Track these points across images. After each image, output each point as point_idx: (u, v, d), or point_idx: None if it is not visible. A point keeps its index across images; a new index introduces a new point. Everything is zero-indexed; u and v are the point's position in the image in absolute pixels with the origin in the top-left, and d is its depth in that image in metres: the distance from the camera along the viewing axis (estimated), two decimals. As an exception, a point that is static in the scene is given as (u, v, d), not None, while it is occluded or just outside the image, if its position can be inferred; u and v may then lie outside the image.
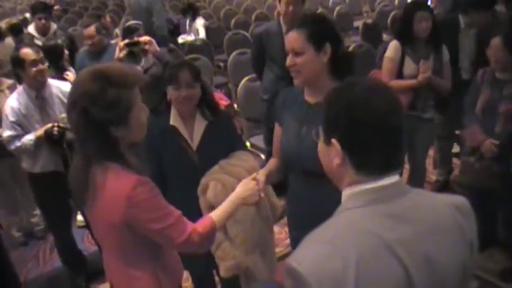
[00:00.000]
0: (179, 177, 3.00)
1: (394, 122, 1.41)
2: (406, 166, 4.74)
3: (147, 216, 2.05)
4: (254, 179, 2.57)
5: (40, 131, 3.87)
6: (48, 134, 3.85)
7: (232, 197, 2.47)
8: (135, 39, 4.21)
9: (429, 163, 4.60)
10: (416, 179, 4.68)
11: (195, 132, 3.00)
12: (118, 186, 2.02)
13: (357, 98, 1.42)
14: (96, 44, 5.31)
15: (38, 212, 5.15)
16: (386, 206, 1.40)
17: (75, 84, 2.08)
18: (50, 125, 3.86)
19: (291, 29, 2.45)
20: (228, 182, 2.80)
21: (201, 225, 2.22)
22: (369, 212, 1.40)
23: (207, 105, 3.04)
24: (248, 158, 3.05)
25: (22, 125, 3.91)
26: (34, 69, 3.84)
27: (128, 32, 5.02)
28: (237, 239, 2.89)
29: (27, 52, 3.85)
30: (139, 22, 5.20)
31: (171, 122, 2.99)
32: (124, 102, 2.00)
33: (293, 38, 2.42)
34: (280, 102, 2.71)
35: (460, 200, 1.52)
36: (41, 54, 3.92)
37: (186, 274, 3.83)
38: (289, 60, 2.44)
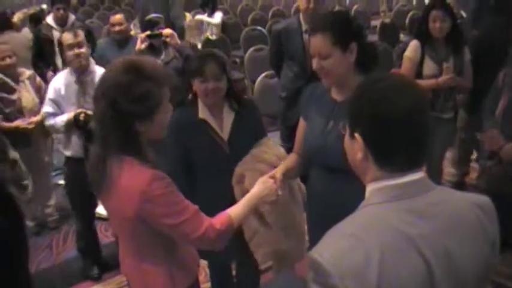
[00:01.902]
0: (211, 168, 3.00)
1: (418, 119, 1.40)
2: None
3: (162, 211, 2.03)
4: (272, 177, 2.55)
5: (71, 115, 3.93)
6: (75, 119, 3.91)
7: (250, 196, 2.44)
8: (157, 31, 4.19)
9: (445, 164, 4.56)
10: (431, 179, 4.63)
11: (224, 123, 3.00)
12: (133, 180, 2.01)
13: (381, 94, 1.41)
14: (124, 32, 5.30)
15: (52, 202, 5.18)
16: (410, 202, 1.39)
17: (105, 75, 2.08)
18: (79, 110, 3.91)
19: (314, 33, 2.39)
20: (264, 170, 2.80)
21: (218, 221, 2.18)
22: (392, 208, 1.39)
23: (234, 95, 3.04)
24: (275, 145, 3.13)
25: (59, 105, 4.00)
26: (71, 53, 3.91)
27: (149, 26, 4.98)
28: (274, 225, 2.92)
29: (65, 36, 3.97)
30: (160, 15, 5.16)
31: (200, 115, 2.97)
32: (153, 97, 2.00)
33: (318, 43, 2.37)
34: (306, 98, 2.70)
35: (483, 199, 1.51)
36: (80, 38, 3.95)
37: (203, 273, 3.85)
38: (315, 64, 2.40)
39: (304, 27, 4.78)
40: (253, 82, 6.54)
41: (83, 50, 3.96)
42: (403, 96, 1.40)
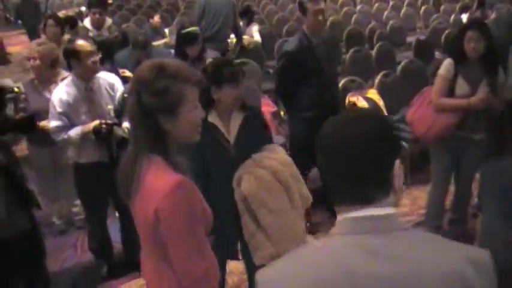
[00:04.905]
0: (218, 171, 3.14)
1: (361, 153, 1.36)
2: (451, 188, 4.66)
3: (173, 222, 2.04)
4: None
5: (88, 128, 3.93)
6: (96, 131, 3.90)
7: None
8: None
9: (474, 187, 4.50)
10: (460, 202, 4.60)
11: (231, 126, 3.18)
12: (158, 181, 2.04)
13: (328, 128, 1.43)
14: None
15: (79, 201, 5.21)
16: (366, 238, 1.35)
17: (135, 73, 2.18)
18: (97, 122, 3.91)
19: None
20: (259, 173, 2.95)
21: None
22: (345, 241, 1.36)
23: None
24: (280, 151, 3.22)
25: (69, 116, 3.98)
26: (89, 61, 3.90)
27: (187, 40, 4.96)
28: (270, 229, 3.00)
29: (82, 44, 3.91)
30: (198, 29, 5.14)
31: (210, 119, 3.13)
32: (173, 92, 2.05)
33: None
34: None
35: (479, 255, 1.38)
36: (95, 46, 3.98)
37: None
38: None
39: (314, 41, 4.76)
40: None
41: (99, 57, 3.99)
42: (348, 131, 1.39)
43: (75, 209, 5.33)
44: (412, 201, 5.54)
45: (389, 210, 1.38)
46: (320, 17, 4.65)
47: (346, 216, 1.39)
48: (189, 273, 2.09)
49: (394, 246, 1.34)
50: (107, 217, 4.58)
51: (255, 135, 3.18)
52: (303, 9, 4.72)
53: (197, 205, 2.10)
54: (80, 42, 3.92)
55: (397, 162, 1.42)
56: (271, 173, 2.89)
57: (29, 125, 4.01)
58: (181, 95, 2.07)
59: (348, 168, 1.37)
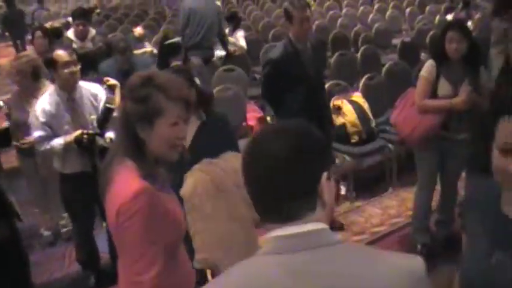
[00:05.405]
0: (173, 175, 3.08)
1: (282, 167, 1.31)
2: (438, 187, 4.67)
3: (131, 229, 2.03)
4: None
5: (70, 138, 3.92)
6: (78, 141, 3.89)
7: None
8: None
9: (460, 186, 4.52)
10: (446, 202, 4.61)
11: (188, 131, 3.09)
12: (123, 185, 2.05)
13: (254, 143, 1.40)
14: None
15: (66, 213, 5.20)
16: (292, 257, 1.29)
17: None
18: (79, 132, 3.90)
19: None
20: (198, 178, 2.95)
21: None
22: (269, 261, 1.32)
23: (203, 107, 3.21)
24: (232, 159, 3.10)
25: (52, 126, 3.97)
26: (66, 70, 3.88)
27: (170, 51, 4.97)
28: (202, 234, 2.97)
29: (60, 54, 3.89)
30: (180, 39, 5.15)
31: None
32: (153, 102, 2.05)
33: None
34: None
35: (411, 262, 1.35)
36: (74, 57, 3.96)
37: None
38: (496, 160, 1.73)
39: (299, 46, 4.73)
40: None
41: (78, 68, 3.97)
42: (271, 145, 1.34)
43: (62, 222, 5.31)
44: (400, 202, 5.56)
45: (314, 226, 1.32)
46: (306, 25, 4.66)
47: (269, 235, 1.34)
48: (134, 279, 2.07)
49: (318, 264, 1.28)
50: (94, 228, 4.56)
51: (212, 142, 3.13)
52: (288, 17, 4.71)
53: (158, 214, 2.08)
54: (58, 52, 3.90)
55: (325, 175, 1.36)
56: (210, 179, 2.86)
57: (2, 138, 4.01)
58: (160, 107, 2.06)
59: (270, 183, 1.32)
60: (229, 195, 3.03)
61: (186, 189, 2.97)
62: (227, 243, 3.02)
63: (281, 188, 1.31)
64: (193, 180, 2.96)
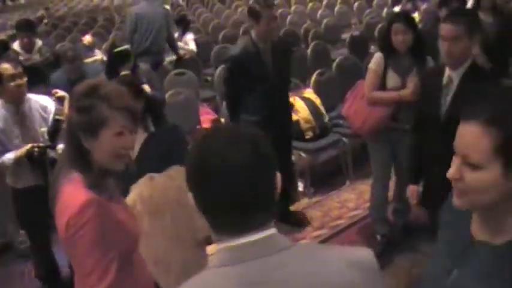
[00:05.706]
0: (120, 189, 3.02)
1: (243, 179, 1.26)
2: (394, 178, 4.74)
3: (81, 240, 2.01)
4: None
5: (21, 152, 3.84)
6: (29, 155, 3.82)
7: None
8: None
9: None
10: (401, 192, 4.66)
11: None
12: (70, 197, 2.03)
13: (203, 152, 1.31)
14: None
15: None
16: (244, 268, 1.26)
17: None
18: (29, 145, 3.83)
19: (465, 120, 1.48)
20: (136, 192, 2.89)
21: None
22: (222, 274, 1.27)
23: (151, 116, 3.16)
24: (178, 175, 2.94)
25: (1, 141, 3.89)
26: (12, 83, 3.81)
27: (119, 59, 4.90)
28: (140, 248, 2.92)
29: (5, 67, 3.82)
30: (129, 47, 5.08)
31: None
32: (96, 113, 2.03)
33: (470, 138, 1.46)
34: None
35: (362, 255, 1.36)
36: (20, 69, 3.89)
37: None
38: (453, 169, 1.51)
39: (261, 46, 4.71)
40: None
41: (24, 80, 3.89)
42: (231, 153, 1.26)
43: (21, 238, 5.21)
44: (358, 195, 5.62)
45: (268, 232, 1.29)
46: (273, 23, 4.65)
47: (221, 246, 1.29)
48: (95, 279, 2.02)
49: (273, 271, 1.25)
50: (52, 242, 4.47)
51: (159, 155, 3.05)
52: (254, 15, 4.66)
53: (108, 224, 2.06)
54: (3, 65, 3.83)
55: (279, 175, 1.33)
56: (149, 196, 2.79)
57: None
58: (104, 117, 2.04)
59: (234, 195, 1.25)
60: (166, 215, 2.96)
61: (127, 203, 2.91)
62: (164, 260, 2.96)
63: (246, 198, 1.26)
64: (133, 195, 2.90)
